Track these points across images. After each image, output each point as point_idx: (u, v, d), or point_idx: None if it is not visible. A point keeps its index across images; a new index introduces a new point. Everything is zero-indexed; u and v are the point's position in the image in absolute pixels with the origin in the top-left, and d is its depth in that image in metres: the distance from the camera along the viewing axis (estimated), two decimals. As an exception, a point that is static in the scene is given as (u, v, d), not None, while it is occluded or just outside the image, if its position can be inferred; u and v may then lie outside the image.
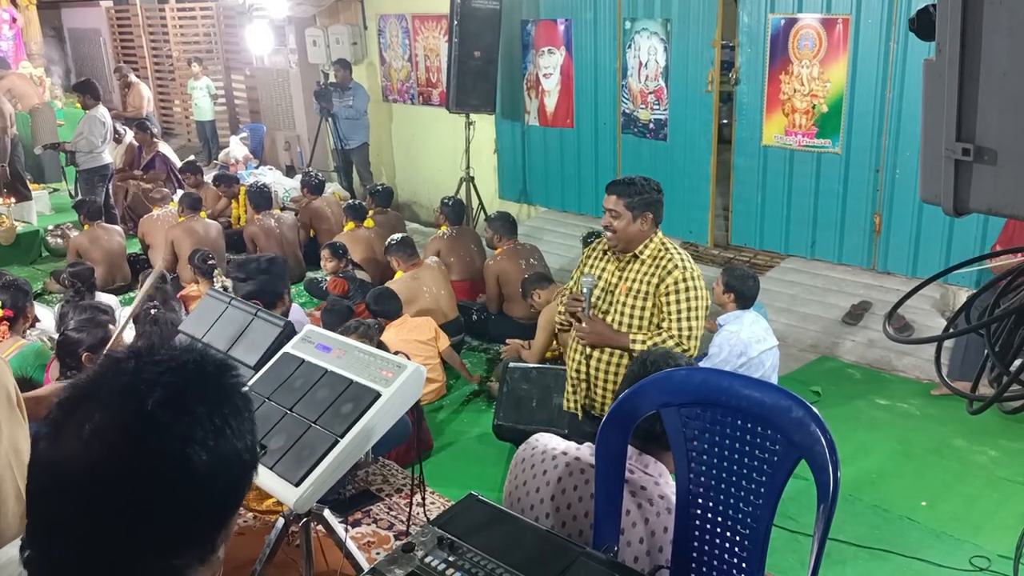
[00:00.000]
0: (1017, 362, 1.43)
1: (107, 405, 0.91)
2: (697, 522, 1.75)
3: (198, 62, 11.77)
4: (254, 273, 4.13)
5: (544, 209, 8.58)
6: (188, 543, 0.93)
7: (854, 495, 4.08)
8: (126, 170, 9.50)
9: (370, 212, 7.32)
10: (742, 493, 1.67)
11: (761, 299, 4.63)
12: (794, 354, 5.67)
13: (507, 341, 5.62)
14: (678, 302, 3.20)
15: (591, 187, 7.99)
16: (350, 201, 7.87)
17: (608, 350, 3.30)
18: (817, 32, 6.13)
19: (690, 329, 3.20)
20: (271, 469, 2.28)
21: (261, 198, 7.54)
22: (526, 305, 5.62)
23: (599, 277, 3.36)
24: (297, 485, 2.23)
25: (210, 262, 6.04)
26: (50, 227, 8.49)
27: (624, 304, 3.27)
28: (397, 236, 6.14)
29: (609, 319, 3.30)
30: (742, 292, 4.34)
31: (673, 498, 1.87)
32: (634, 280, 3.27)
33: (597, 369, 3.34)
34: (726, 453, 1.68)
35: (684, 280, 3.20)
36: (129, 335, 4.53)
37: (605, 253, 3.39)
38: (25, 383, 3.86)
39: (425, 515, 3.37)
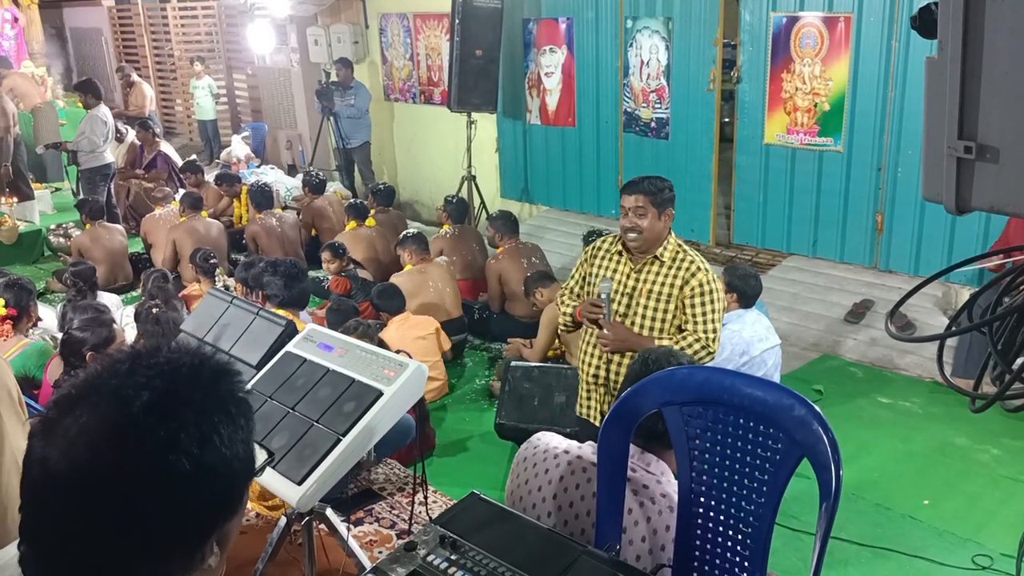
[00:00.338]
0: (1019, 360, 1.43)
1: (95, 406, 0.91)
2: (699, 520, 1.75)
3: (200, 61, 11.78)
4: (292, 281, 4.19)
5: (546, 208, 8.58)
6: (174, 550, 0.93)
7: (856, 493, 4.08)
8: (128, 169, 9.51)
9: (372, 211, 7.33)
10: (744, 492, 1.67)
11: (763, 298, 4.62)
12: (796, 352, 5.67)
13: (509, 340, 5.63)
14: (703, 304, 3.17)
15: (592, 186, 7.99)
16: (351, 200, 7.88)
17: (630, 354, 3.20)
18: (819, 30, 6.13)
19: (715, 331, 3.18)
20: (273, 468, 2.28)
21: (263, 197, 7.54)
22: (528, 304, 5.62)
23: (612, 279, 3.30)
24: (299, 484, 2.23)
25: (211, 261, 6.05)
26: (52, 226, 8.50)
27: (646, 307, 3.22)
28: (412, 230, 6.23)
29: (628, 322, 3.24)
30: (744, 292, 4.33)
31: (675, 496, 1.87)
32: (655, 282, 3.22)
33: (617, 374, 3.25)
34: (728, 451, 1.68)
35: (708, 282, 3.18)
36: (131, 334, 4.54)
37: (617, 254, 3.32)
38: (28, 382, 3.88)
39: (427, 514, 3.39)
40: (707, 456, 1.71)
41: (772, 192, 6.70)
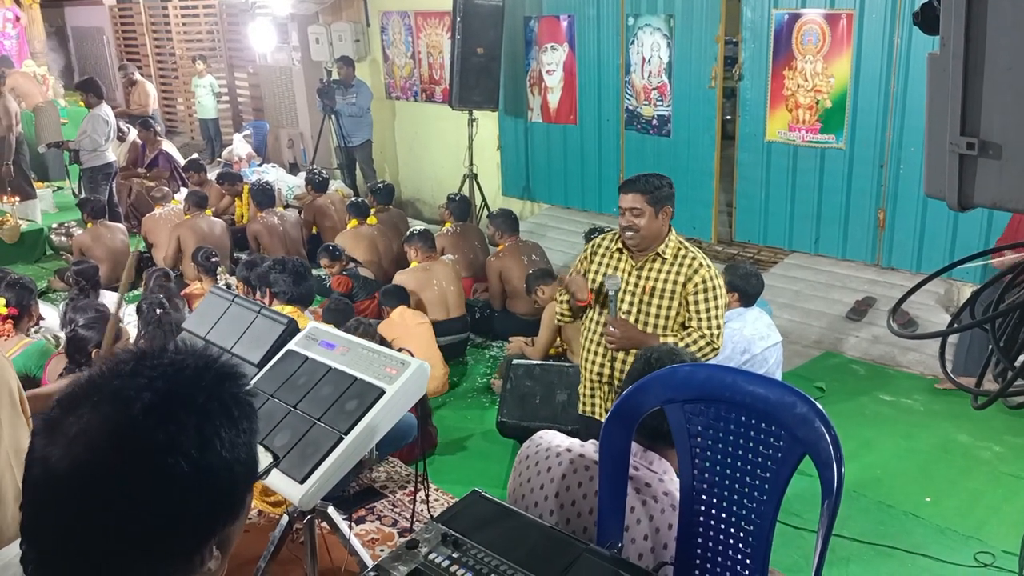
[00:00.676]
0: (1022, 357, 1.43)
1: (97, 406, 0.91)
2: (701, 518, 1.74)
3: (202, 60, 11.77)
4: (300, 279, 4.23)
5: (547, 206, 8.58)
6: (173, 552, 0.92)
7: (858, 491, 4.08)
8: (130, 168, 9.52)
9: (372, 210, 7.33)
10: (746, 489, 1.67)
11: (765, 295, 4.62)
12: (798, 350, 5.67)
13: (510, 338, 5.64)
14: (706, 300, 3.18)
15: (594, 184, 7.99)
16: (353, 199, 7.88)
17: (634, 352, 3.18)
18: (821, 27, 6.12)
19: (719, 328, 3.19)
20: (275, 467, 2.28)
21: (264, 196, 7.55)
22: (529, 301, 5.62)
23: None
24: (302, 482, 2.23)
25: (213, 260, 6.05)
26: (54, 225, 8.50)
27: (649, 305, 3.22)
28: (419, 228, 6.24)
29: (632, 320, 3.24)
30: (746, 291, 4.33)
31: (677, 495, 1.87)
32: (657, 280, 3.22)
33: (622, 372, 3.24)
34: (730, 449, 1.68)
35: (711, 279, 3.19)
36: (134, 332, 4.54)
37: (618, 252, 3.32)
38: (29, 381, 3.88)
39: (429, 512, 3.39)
40: (709, 454, 1.71)
41: (774, 189, 6.69)
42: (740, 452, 1.66)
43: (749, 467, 1.66)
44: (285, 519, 2.66)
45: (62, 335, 4.26)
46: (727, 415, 1.67)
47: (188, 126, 13.58)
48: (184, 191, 8.20)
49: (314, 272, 7.16)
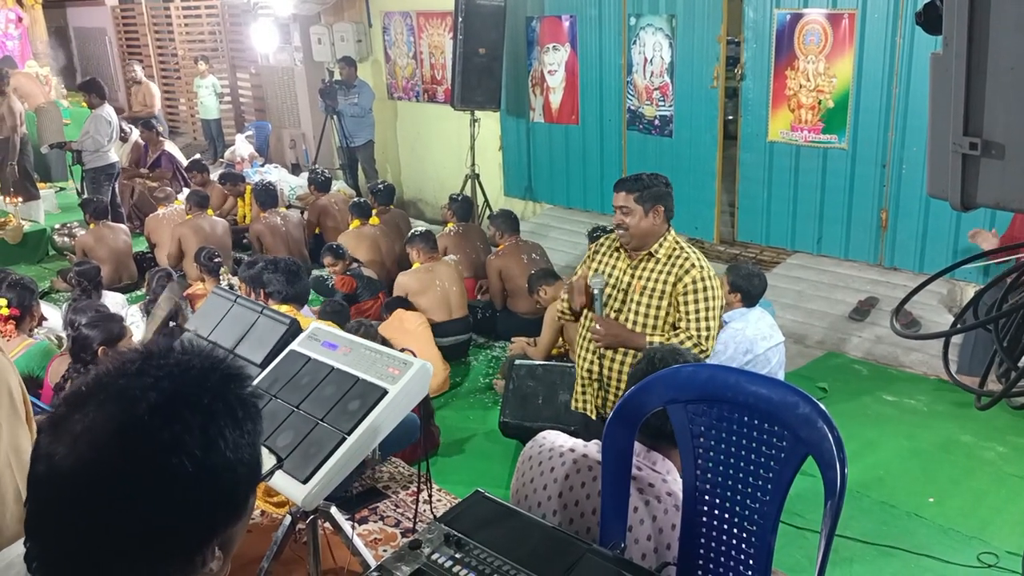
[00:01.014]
0: (1025, 357, 1.43)
1: (102, 404, 0.91)
2: (704, 519, 1.74)
3: (204, 60, 11.78)
4: (293, 277, 4.23)
5: (549, 206, 8.58)
6: (174, 551, 0.93)
7: (861, 491, 4.07)
8: (132, 169, 9.53)
9: (374, 210, 7.33)
10: (749, 489, 1.67)
11: (767, 295, 4.62)
12: (801, 350, 5.66)
13: (513, 338, 5.64)
14: (696, 302, 3.17)
15: (596, 184, 7.98)
16: (355, 199, 7.89)
17: (622, 350, 3.25)
18: (823, 27, 6.11)
19: (708, 329, 3.17)
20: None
21: (267, 196, 7.55)
22: (530, 301, 5.62)
23: (609, 275, 3.32)
24: (304, 482, 2.23)
25: (216, 260, 6.05)
26: (57, 226, 8.51)
27: (639, 303, 3.23)
28: (421, 228, 6.25)
29: (622, 319, 3.26)
30: (749, 291, 4.32)
31: (680, 495, 1.87)
32: (649, 279, 3.23)
33: (611, 369, 3.29)
34: (733, 449, 1.68)
35: (702, 280, 3.17)
36: (136, 333, 4.55)
37: (616, 251, 3.35)
38: (32, 382, 3.89)
39: (432, 512, 3.39)
40: (712, 454, 1.71)
41: (776, 189, 6.68)
42: (743, 452, 1.66)
43: (752, 467, 1.66)
44: (288, 519, 2.66)
45: (64, 336, 4.27)
46: (730, 415, 1.67)
47: (190, 127, 13.59)
48: (187, 191, 8.21)
49: (317, 272, 7.18)
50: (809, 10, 6.17)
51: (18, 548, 0.99)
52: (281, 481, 2.28)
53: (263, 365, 2.77)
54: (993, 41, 1.16)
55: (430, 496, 3.44)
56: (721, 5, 6.65)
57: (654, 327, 3.21)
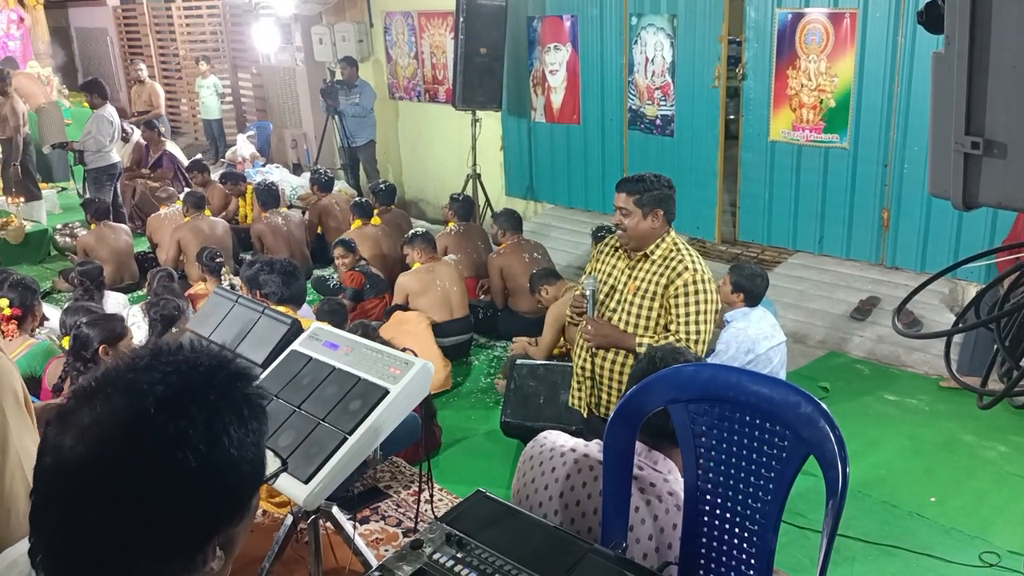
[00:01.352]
0: (1027, 357, 1.42)
1: (110, 397, 0.92)
2: (705, 518, 1.74)
3: (205, 60, 11.78)
4: (289, 278, 4.24)
5: (551, 206, 8.58)
6: (176, 547, 0.93)
7: (863, 491, 4.07)
8: (134, 169, 9.54)
9: (375, 210, 7.34)
10: (750, 489, 1.67)
11: (769, 295, 4.62)
12: (802, 350, 5.66)
13: (514, 338, 5.64)
14: (687, 304, 3.16)
15: (597, 183, 7.98)
16: (356, 199, 7.89)
17: (614, 350, 3.27)
18: (824, 27, 6.11)
19: (698, 333, 3.15)
20: (279, 467, 2.28)
21: (268, 196, 7.55)
22: (532, 300, 5.62)
23: (608, 275, 3.33)
24: (306, 482, 2.23)
25: (217, 260, 6.05)
26: (59, 226, 8.52)
27: (632, 304, 3.24)
28: (420, 229, 6.24)
29: (616, 318, 3.27)
30: (751, 291, 4.32)
31: (682, 494, 1.87)
32: (643, 280, 3.23)
33: (603, 368, 3.31)
34: (734, 449, 1.68)
35: (693, 283, 3.15)
36: (138, 333, 4.56)
37: (617, 251, 3.37)
38: (33, 382, 3.89)
39: (433, 512, 3.38)
40: (713, 454, 1.71)
41: (778, 189, 6.68)
42: (744, 452, 1.66)
43: (753, 467, 1.66)
44: (289, 519, 2.66)
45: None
46: (731, 415, 1.67)
47: (192, 127, 13.59)
48: (186, 191, 8.21)
49: (320, 272, 7.19)
50: (810, 9, 6.17)
51: (22, 547, 0.99)
52: (283, 481, 2.28)
53: (264, 365, 2.77)
54: (995, 40, 1.16)
55: (431, 496, 3.43)
56: (722, 5, 6.65)
57: (646, 328, 3.22)
